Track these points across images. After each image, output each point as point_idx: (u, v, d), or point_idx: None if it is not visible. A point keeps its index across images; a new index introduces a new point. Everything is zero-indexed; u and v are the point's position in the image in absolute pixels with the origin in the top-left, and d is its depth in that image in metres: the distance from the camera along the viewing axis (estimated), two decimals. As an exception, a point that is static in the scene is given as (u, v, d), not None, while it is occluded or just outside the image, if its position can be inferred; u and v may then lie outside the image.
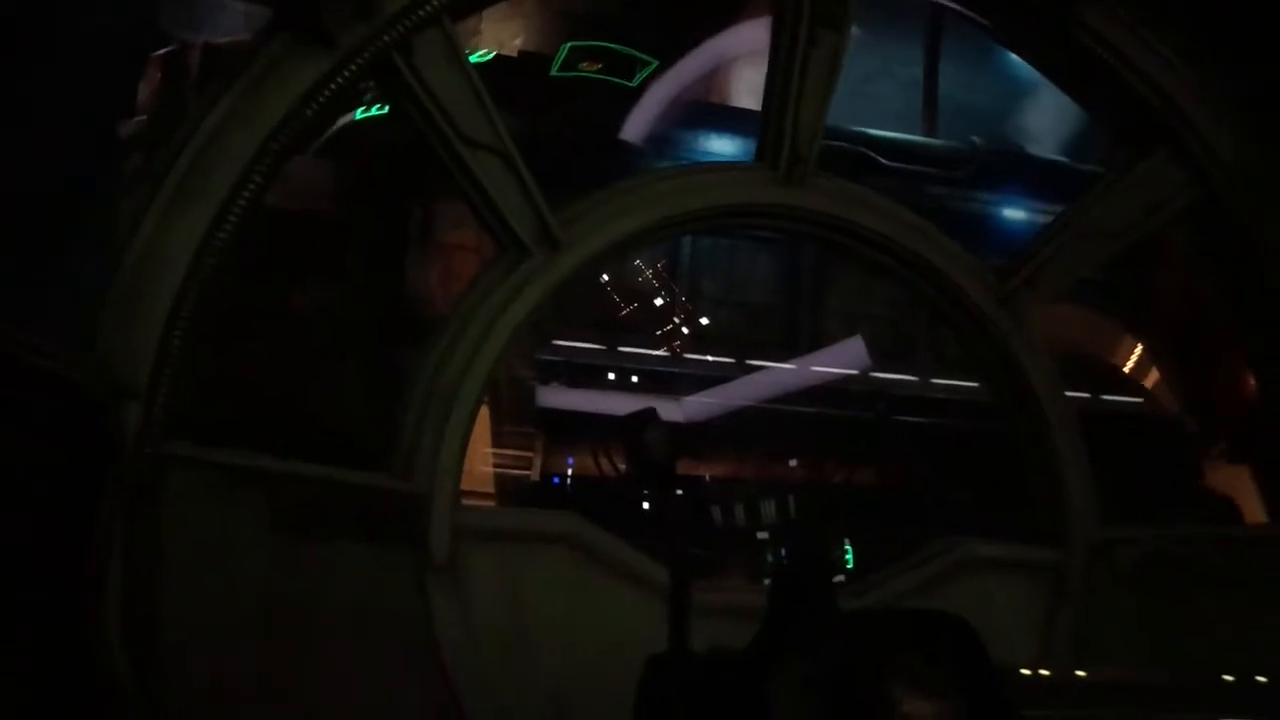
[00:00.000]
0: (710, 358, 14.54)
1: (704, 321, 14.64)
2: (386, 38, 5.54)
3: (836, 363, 14.06)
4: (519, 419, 13.72)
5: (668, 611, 3.83)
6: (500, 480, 13.12)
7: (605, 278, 14.62)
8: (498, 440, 13.43)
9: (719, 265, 14.69)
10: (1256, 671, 3.91)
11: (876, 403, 14.03)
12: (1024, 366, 6.74)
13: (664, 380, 13.77)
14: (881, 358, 14.10)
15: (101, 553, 4.68)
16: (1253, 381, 9.19)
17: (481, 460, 13.23)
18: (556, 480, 14.55)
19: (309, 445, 6.09)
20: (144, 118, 12.19)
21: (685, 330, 14.68)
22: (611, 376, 14.48)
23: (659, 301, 14.77)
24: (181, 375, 5.20)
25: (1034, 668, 3.16)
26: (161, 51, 12.61)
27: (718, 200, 6.53)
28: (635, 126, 13.33)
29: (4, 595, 4.01)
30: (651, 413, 3.68)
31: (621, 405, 13.70)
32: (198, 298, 5.19)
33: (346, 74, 5.39)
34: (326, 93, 5.36)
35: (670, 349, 14.61)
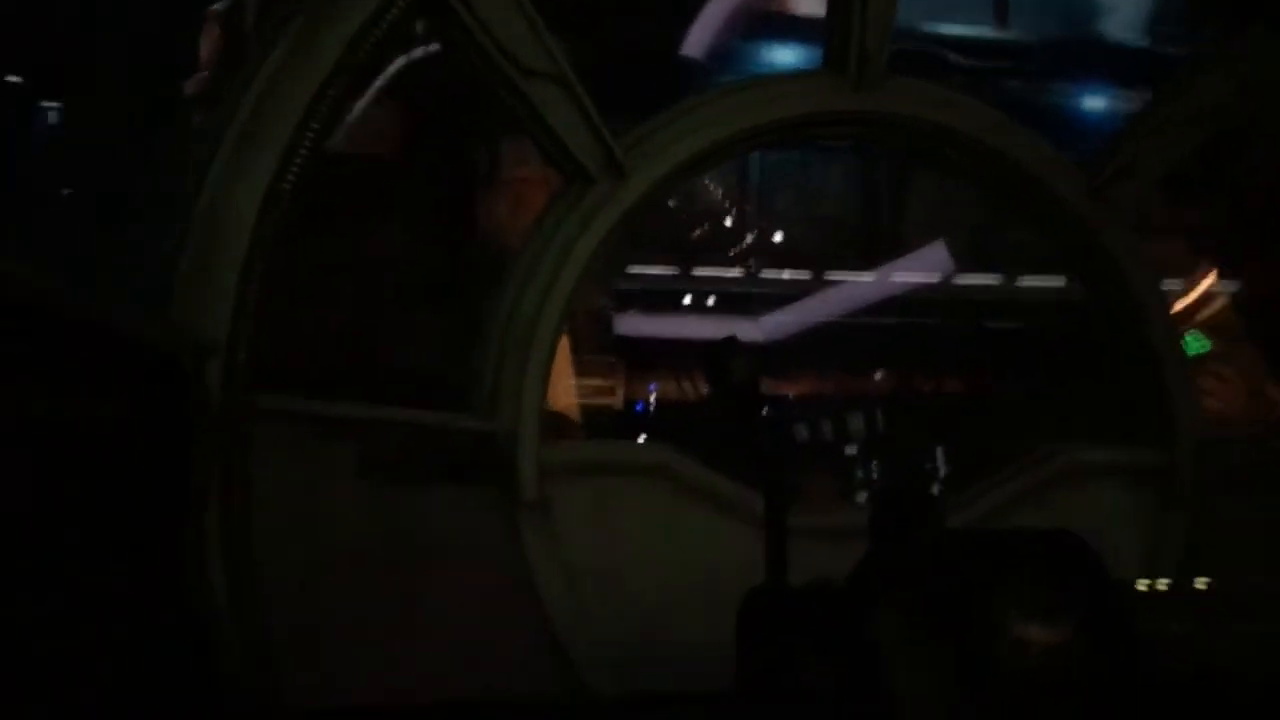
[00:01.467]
0: (787, 274, 14.32)
1: (778, 238, 14.39)
2: (434, -30, 5.40)
3: (917, 271, 13.73)
4: (599, 348, 13.70)
5: (765, 542, 3.74)
6: (585, 410, 13.15)
7: (674, 202, 14.42)
8: (580, 370, 13.44)
9: (791, 179, 14.37)
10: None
11: (962, 309, 13.71)
12: (1119, 260, 6.45)
13: (740, 300, 13.61)
14: (965, 262, 13.73)
15: (198, 506, 4.75)
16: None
17: (565, 392, 13.26)
18: (641, 407, 14.55)
19: (393, 392, 6.12)
20: (205, 74, 12.23)
21: (760, 248, 14.45)
22: (688, 300, 14.37)
23: (730, 221, 14.56)
24: (261, 329, 5.22)
25: (1151, 579, 3.00)
26: (218, 6, 12.60)
27: (787, 113, 6.30)
28: (696, 42, 12.98)
29: (109, 549, 4.08)
30: (732, 340, 3.56)
31: (699, 328, 13.61)
32: (269, 249, 5.17)
33: (395, 11, 5.26)
34: (377, 32, 5.24)
35: (745, 268, 14.41)
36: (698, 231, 14.61)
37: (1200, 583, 2.95)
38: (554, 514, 5.80)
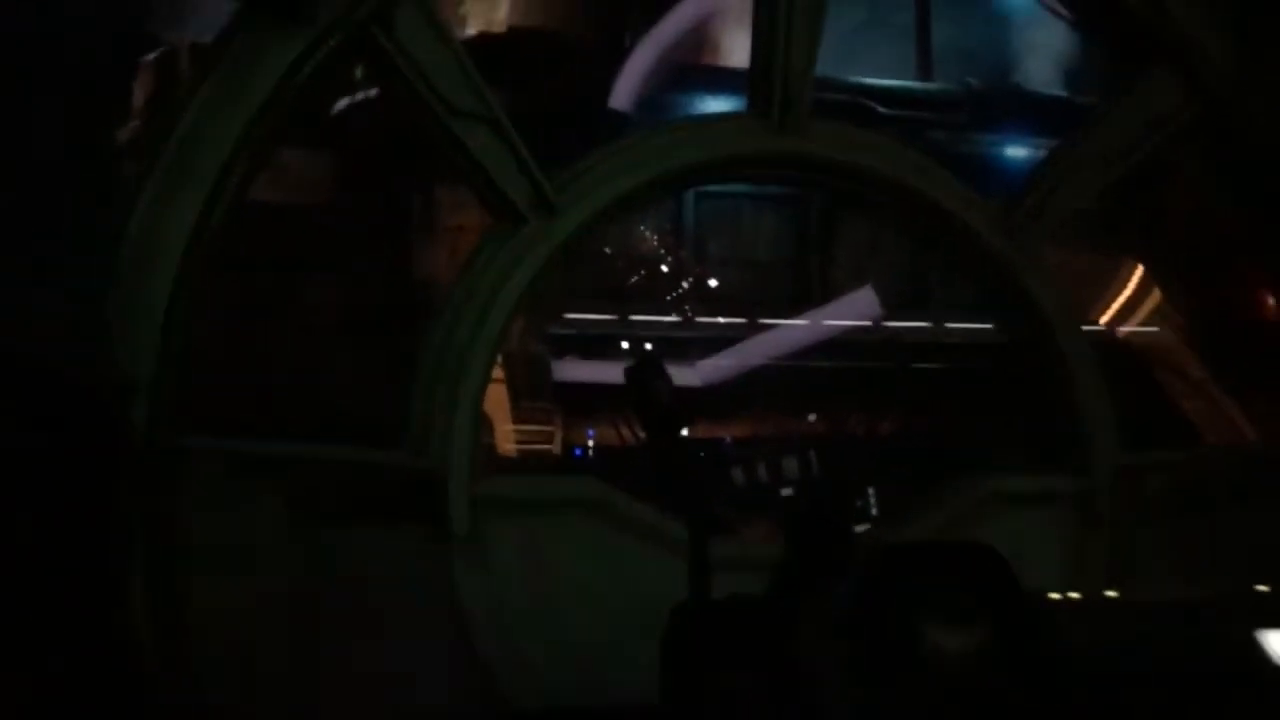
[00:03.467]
0: (722, 319, 14.49)
1: (713, 283, 14.58)
2: (365, 11, 5.49)
3: (849, 315, 13.98)
4: (536, 394, 13.72)
5: (688, 564, 3.79)
6: (523, 456, 13.14)
7: (610, 249, 14.56)
8: (518, 417, 13.45)
9: (724, 226, 14.60)
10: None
11: (892, 352, 13.95)
12: (1035, 298, 6.65)
13: (677, 345, 13.72)
14: (894, 307, 14.01)
15: (121, 545, 4.69)
16: (1268, 300, 9.06)
17: (504, 438, 13.27)
18: (579, 452, 14.56)
19: (326, 435, 6.09)
20: (138, 123, 12.18)
21: (695, 294, 14.62)
22: (625, 345, 14.45)
23: (666, 267, 14.73)
24: (190, 369, 5.20)
25: (1064, 591, 3.10)
26: (152, 55, 12.57)
27: (712, 154, 6.46)
28: (623, 93, 13.20)
29: (29, 590, 4.02)
30: (652, 359, 3.62)
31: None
32: (197, 288, 5.18)
33: (326, 49, 5.34)
34: (307, 69, 5.31)
35: (681, 314, 14.56)
36: (634, 278, 14.75)
37: (1110, 593, 3.05)
38: (485, 549, 5.79)
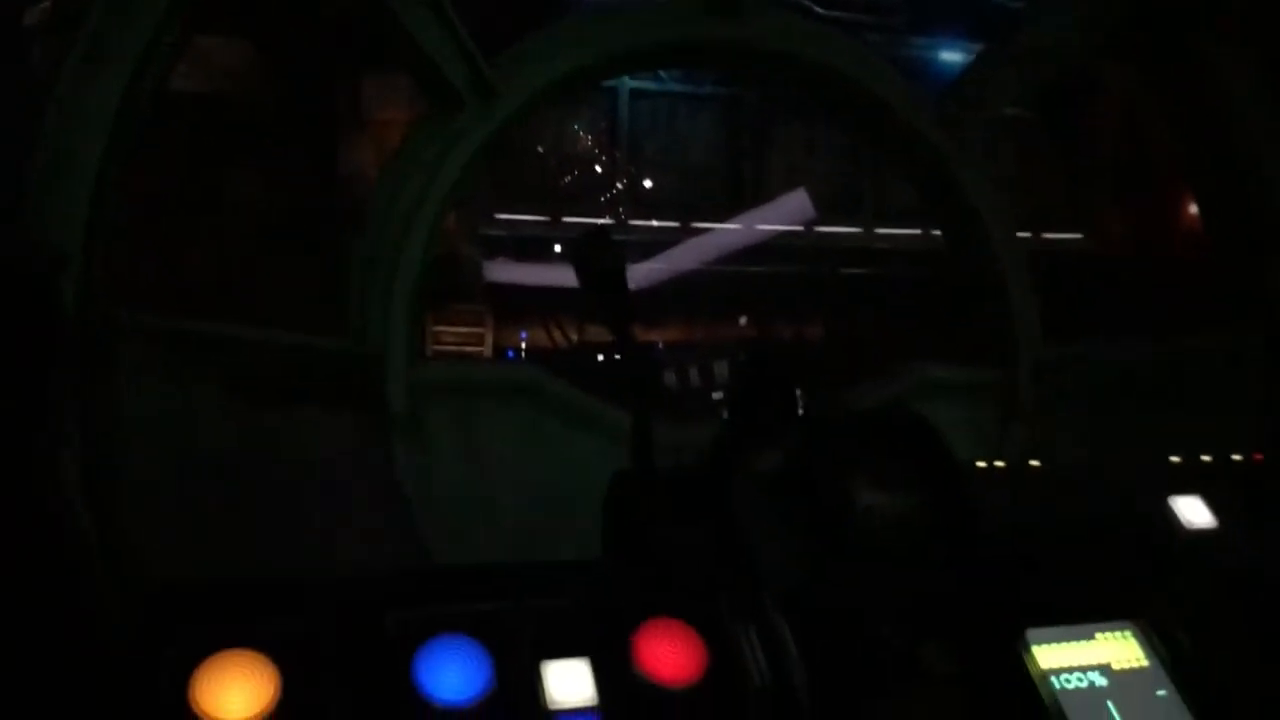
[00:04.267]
0: (655, 223, 14.48)
1: (647, 185, 14.54)
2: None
3: (781, 219, 14.06)
4: (468, 296, 13.65)
5: (632, 429, 3.84)
6: (454, 358, 13.11)
7: (543, 149, 14.40)
8: (449, 319, 13.38)
9: (659, 127, 14.52)
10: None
11: (824, 257, 14.11)
12: (966, 189, 6.77)
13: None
14: (827, 212, 14.12)
15: (56, 422, 4.61)
16: (1191, 211, 9.30)
17: (433, 339, 13.21)
18: (511, 354, 14.57)
19: (259, 322, 6.02)
20: (47, 4, 11.62)
21: (628, 196, 14.58)
22: (557, 249, 14.39)
23: (599, 168, 14.63)
24: (121, 247, 5.08)
25: (991, 461, 3.21)
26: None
27: (653, 37, 6.40)
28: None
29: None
30: (602, 231, 3.61)
31: (569, 276, 13.67)
32: (125, 160, 5.03)
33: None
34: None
35: (614, 216, 14.52)
36: (568, 178, 14.63)
37: (1034, 463, 3.17)
38: (424, 433, 5.82)
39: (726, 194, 14.76)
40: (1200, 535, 2.74)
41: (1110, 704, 2.16)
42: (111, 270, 5.13)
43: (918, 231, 13.37)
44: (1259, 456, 3.09)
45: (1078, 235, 13.89)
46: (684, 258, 14.33)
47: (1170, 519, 2.79)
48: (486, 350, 13.87)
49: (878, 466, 2.46)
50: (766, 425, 3.09)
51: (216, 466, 5.24)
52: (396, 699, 1.87)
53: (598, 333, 13.84)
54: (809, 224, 14.10)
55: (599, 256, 3.35)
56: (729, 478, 2.90)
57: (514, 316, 14.81)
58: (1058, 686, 2.15)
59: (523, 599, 2.08)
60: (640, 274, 13.56)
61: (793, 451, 2.64)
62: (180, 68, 6.21)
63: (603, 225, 4.50)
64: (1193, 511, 2.79)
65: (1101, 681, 2.17)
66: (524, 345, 14.91)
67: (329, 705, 1.82)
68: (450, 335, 13.41)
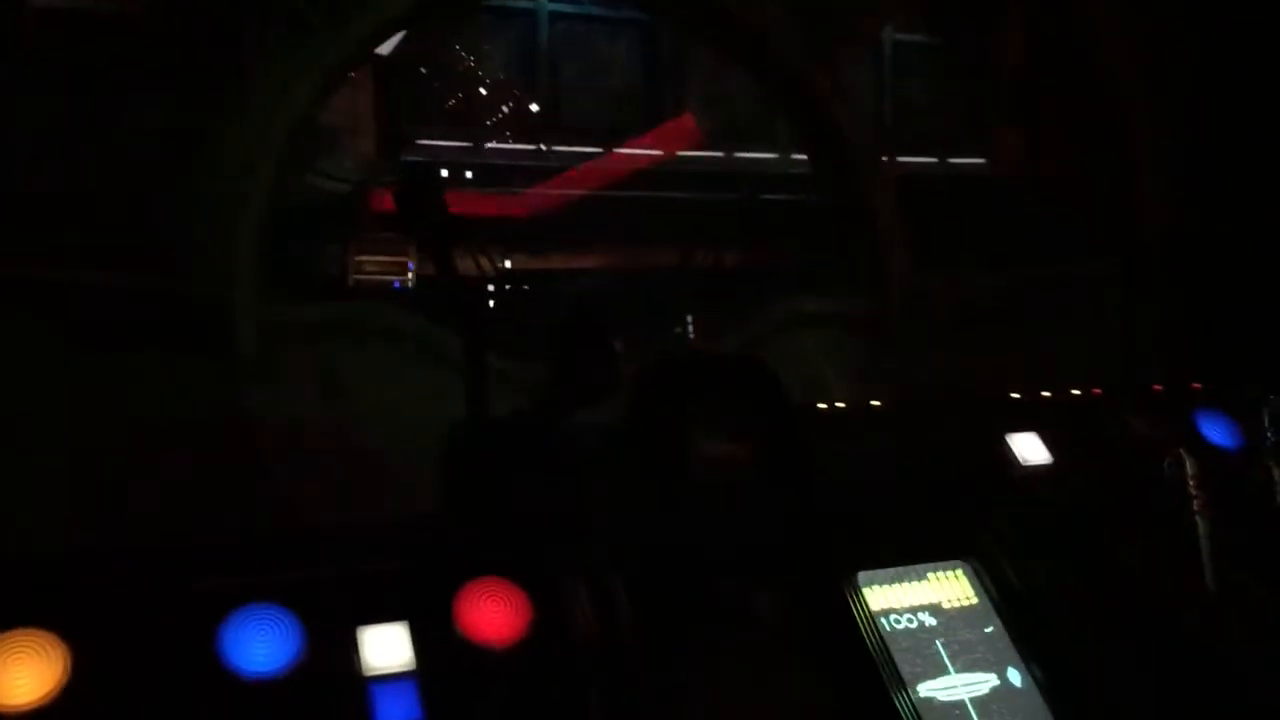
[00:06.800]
0: (575, 148, 14.17)
1: (565, 109, 14.18)
2: None
3: (667, 144, 13.92)
4: (388, 224, 13.25)
5: (465, 382, 3.70)
6: (376, 287, 12.82)
7: (462, 68, 14.03)
8: (370, 248, 13.04)
9: (578, 50, 14.13)
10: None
11: (742, 184, 13.93)
12: (838, 121, 6.73)
13: (529, 174, 13.42)
14: (746, 138, 13.98)
15: None
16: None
17: (354, 269, 12.94)
18: (397, 285, 14.23)
19: (116, 259, 5.67)
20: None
21: (546, 121, 14.21)
22: (470, 175, 14.01)
23: (518, 92, 14.26)
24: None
25: (831, 402, 3.19)
26: None
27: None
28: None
29: None
30: (427, 168, 3.44)
31: (488, 204, 13.33)
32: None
33: None
34: None
35: (534, 142, 14.18)
36: (487, 103, 14.23)
37: (874, 403, 3.18)
38: (271, 375, 5.61)
39: (646, 119, 14.46)
40: (1035, 472, 2.77)
41: (939, 643, 2.16)
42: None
43: (797, 156, 13.25)
44: (1097, 392, 3.13)
45: (982, 160, 13.90)
46: (575, 182, 14.10)
47: (1007, 456, 2.82)
48: (409, 280, 13.55)
49: (711, 414, 2.42)
50: (590, 374, 3.02)
51: (56, 415, 4.96)
52: (199, 673, 1.80)
53: (528, 261, 13.64)
54: (697, 148, 13.94)
55: (421, 194, 3.22)
56: (559, 427, 2.84)
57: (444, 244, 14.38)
58: (887, 628, 2.15)
59: (343, 562, 2.03)
60: (533, 199, 13.32)
61: (626, 400, 2.58)
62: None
63: (427, 163, 4.36)
64: (1029, 449, 2.81)
65: (931, 621, 2.18)
66: (411, 275, 14.50)
67: (124, 684, 1.75)
68: (372, 265, 13.09)
